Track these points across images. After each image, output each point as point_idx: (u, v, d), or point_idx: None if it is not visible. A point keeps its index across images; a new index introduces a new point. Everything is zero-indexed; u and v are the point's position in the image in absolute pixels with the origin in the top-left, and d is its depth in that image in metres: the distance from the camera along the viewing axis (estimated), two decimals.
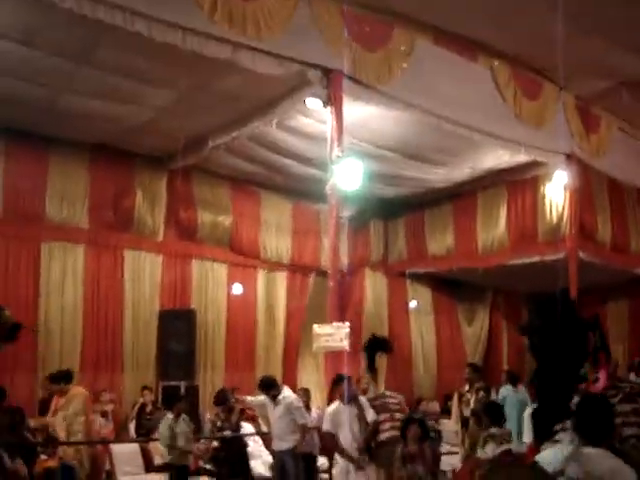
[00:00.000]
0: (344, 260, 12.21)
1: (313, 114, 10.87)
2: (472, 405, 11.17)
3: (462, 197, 15.43)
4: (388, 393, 9.17)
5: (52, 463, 9.34)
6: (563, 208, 13.31)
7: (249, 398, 10.90)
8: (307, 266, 15.29)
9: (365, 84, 9.70)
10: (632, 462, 3.84)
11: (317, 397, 13.14)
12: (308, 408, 11.18)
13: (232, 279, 14.35)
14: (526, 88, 11.60)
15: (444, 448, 11.29)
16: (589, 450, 3.73)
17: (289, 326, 15.07)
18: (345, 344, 10.73)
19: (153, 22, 7.69)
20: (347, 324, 10.90)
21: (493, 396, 11.42)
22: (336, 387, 9.26)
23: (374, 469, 8.88)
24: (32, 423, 9.86)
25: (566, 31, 8.86)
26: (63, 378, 10.20)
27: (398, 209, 16.47)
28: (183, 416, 9.78)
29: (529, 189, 14.39)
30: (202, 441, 10.36)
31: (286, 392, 10.42)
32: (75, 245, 12.57)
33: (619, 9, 9.76)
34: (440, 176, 14.20)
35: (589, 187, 13.80)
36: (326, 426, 9.03)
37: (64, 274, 12.37)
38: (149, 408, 11.74)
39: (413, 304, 17.12)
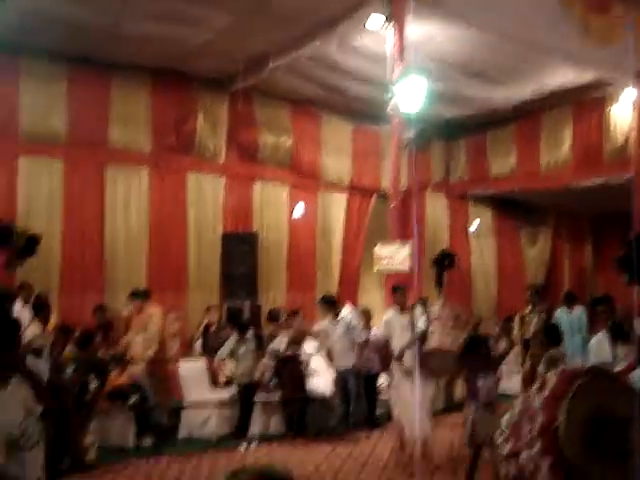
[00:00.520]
0: (405, 182, 12.11)
1: (374, 34, 10.69)
2: (534, 327, 11.22)
3: (525, 118, 15.12)
4: (447, 305, 9.25)
5: (122, 380, 9.71)
6: (630, 129, 12.96)
7: (315, 328, 11.09)
8: (367, 188, 15.26)
9: (427, 1, 9.47)
10: None
11: (378, 317, 13.27)
12: (369, 328, 11.34)
13: (293, 201, 14.43)
14: (594, 1, 11.16)
15: (503, 369, 11.32)
16: None
17: (349, 247, 15.17)
18: (406, 265, 10.82)
19: None
20: (408, 245, 10.98)
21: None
22: (393, 296, 9.52)
23: (423, 377, 9.09)
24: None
25: None
26: (142, 295, 10.59)
27: (460, 130, 16.24)
28: (248, 335, 10.01)
29: (595, 109, 14.02)
30: (265, 358, 10.59)
31: (345, 311, 10.61)
32: (138, 169, 12.74)
33: None
34: (503, 96, 13.91)
35: None
36: (380, 332, 9.37)
37: (128, 198, 12.59)
38: (214, 327, 12.02)
39: (474, 226, 17.01)
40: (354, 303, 13.04)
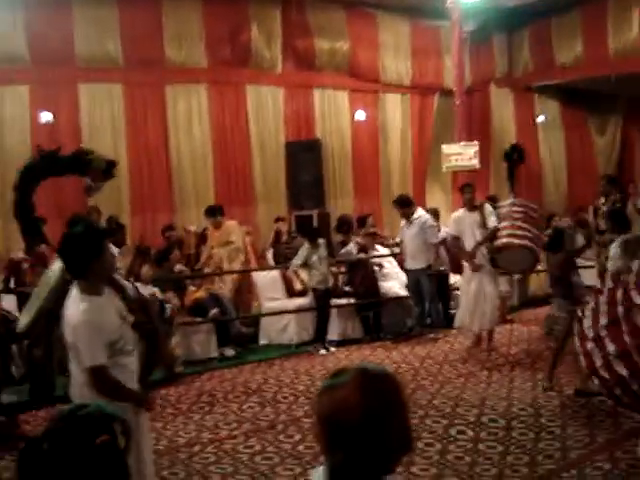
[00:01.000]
0: (468, 77, 11.82)
1: None
2: None
3: (591, 2, 14.42)
4: (517, 202, 9.08)
5: (201, 294, 9.93)
6: None
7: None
8: (429, 86, 14.94)
9: None
10: None
11: (445, 216, 13.19)
12: (437, 228, 11.27)
13: (354, 105, 14.25)
14: None
15: (578, 262, 11.19)
16: None
17: (415, 148, 14.99)
18: (475, 162, 10.73)
19: None
20: (476, 142, 10.83)
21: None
22: (461, 194, 9.47)
23: (492, 273, 9.10)
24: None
25: None
26: (217, 211, 10.75)
27: (521, 19, 15.61)
28: (320, 241, 10.07)
29: None
30: (337, 264, 10.71)
31: (420, 212, 10.57)
32: (197, 85, 12.69)
33: None
34: None
35: None
36: (450, 229, 9.37)
37: (190, 114, 12.60)
38: (284, 237, 12.12)
39: (541, 118, 16.58)
40: (421, 204, 12.96)
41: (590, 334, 5.21)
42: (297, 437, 6.37)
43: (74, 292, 3.87)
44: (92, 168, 5.24)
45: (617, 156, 17.37)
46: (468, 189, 9.58)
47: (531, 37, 15.86)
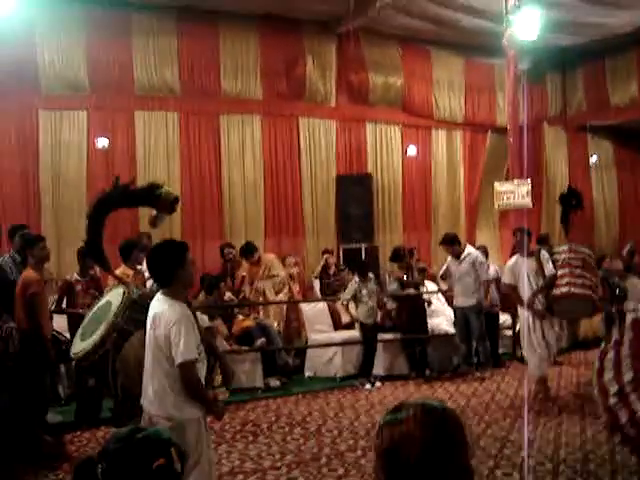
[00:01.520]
0: (521, 115, 11.78)
1: None
2: None
3: None
4: (574, 247, 8.89)
5: (249, 323, 9.96)
6: None
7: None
8: (482, 123, 14.93)
9: None
10: None
11: (492, 254, 13.08)
12: (487, 265, 11.16)
13: (406, 140, 14.29)
14: None
15: (630, 306, 10.98)
16: None
17: (466, 185, 14.95)
18: (527, 201, 10.63)
19: None
20: (528, 181, 10.75)
21: None
22: (514, 238, 9.32)
23: (550, 321, 8.90)
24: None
25: None
26: (252, 248, 10.75)
27: (576, 59, 15.57)
28: (370, 276, 10.05)
29: None
30: (386, 299, 10.64)
31: (469, 249, 10.48)
32: (251, 116, 12.85)
33: None
34: (623, 20, 13.21)
35: None
36: (506, 279, 9.18)
37: (243, 145, 12.75)
38: (332, 270, 12.12)
39: (594, 159, 16.41)
40: (471, 241, 12.88)
41: (612, 389, 5.04)
42: (340, 471, 6.31)
43: (161, 297, 4.27)
44: (161, 201, 5.43)
45: None
46: (521, 234, 9.31)
47: (585, 77, 15.79)
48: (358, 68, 13.59)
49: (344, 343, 10.42)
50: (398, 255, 10.89)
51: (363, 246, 12.69)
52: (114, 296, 5.46)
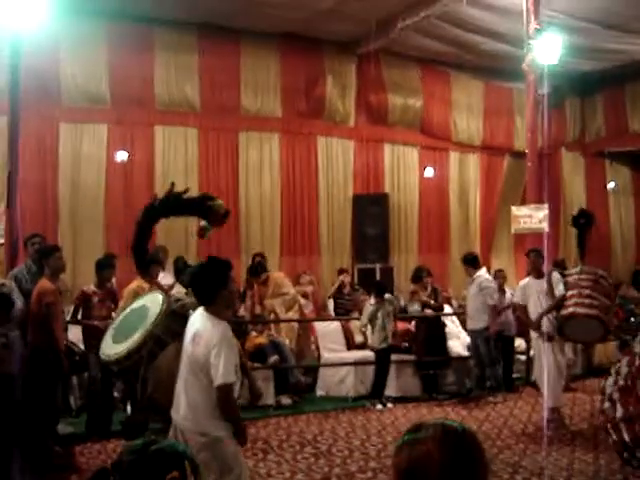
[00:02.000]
0: (540, 140, 11.77)
1: None
2: None
3: None
4: (586, 269, 8.75)
5: (262, 340, 9.94)
6: None
7: None
8: (500, 147, 14.94)
9: None
10: None
11: (507, 278, 13.03)
12: (503, 289, 11.11)
13: (424, 162, 14.32)
14: None
15: None
16: None
17: (483, 208, 14.93)
18: (544, 225, 10.56)
19: None
20: (546, 205, 10.70)
21: None
22: (527, 259, 9.30)
23: (558, 344, 8.81)
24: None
25: None
26: (260, 268, 10.71)
27: (596, 84, 15.57)
28: (387, 297, 10.00)
29: None
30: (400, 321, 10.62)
31: (480, 272, 10.43)
32: (270, 134, 12.92)
33: None
34: None
35: None
36: (516, 297, 9.21)
37: (261, 162, 12.82)
38: (347, 289, 12.10)
39: (612, 185, 16.36)
40: (486, 265, 12.83)
41: (607, 392, 5.13)
42: None
43: (204, 315, 4.23)
44: (213, 213, 5.41)
45: None
46: (534, 255, 9.35)
47: (604, 102, 15.79)
48: (377, 89, 13.65)
49: (357, 363, 10.37)
50: (420, 276, 10.85)
51: (378, 266, 12.68)
52: (152, 302, 5.37)
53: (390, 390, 10.15)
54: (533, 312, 9.00)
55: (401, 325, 10.74)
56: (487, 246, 14.87)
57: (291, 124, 13.05)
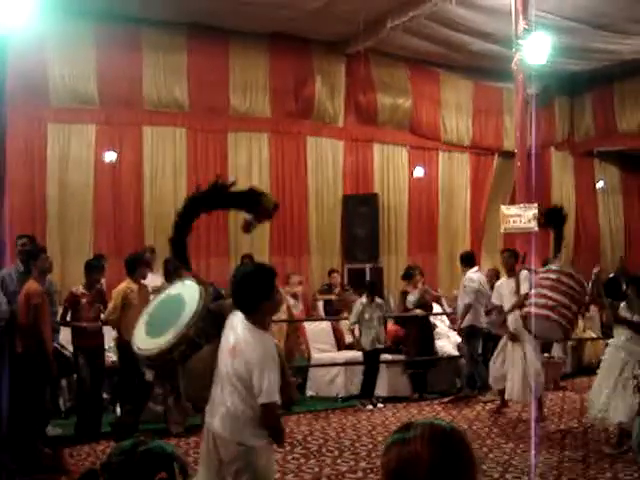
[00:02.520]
0: (529, 140, 11.79)
1: None
2: None
3: None
4: (553, 268, 8.57)
5: None
6: None
7: None
8: (489, 147, 14.96)
9: None
10: None
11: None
12: (472, 289, 11.05)
13: (413, 162, 14.32)
14: None
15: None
16: None
17: (472, 208, 14.94)
18: (533, 225, 10.58)
19: None
20: (535, 205, 10.72)
21: None
22: (501, 259, 9.36)
23: (527, 341, 8.78)
24: None
25: None
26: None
27: (584, 84, 15.62)
28: (378, 300, 9.99)
29: None
30: (390, 321, 10.62)
31: (470, 271, 10.44)
32: (259, 134, 12.91)
33: None
34: (632, 47, 13.24)
35: None
36: (493, 299, 9.25)
37: (250, 162, 12.80)
38: (336, 290, 12.09)
39: (600, 184, 16.42)
40: (478, 263, 12.84)
41: None
42: None
43: (245, 324, 3.99)
44: (262, 207, 5.24)
45: None
46: (506, 255, 9.43)
47: (593, 102, 15.84)
48: (366, 89, 13.64)
49: (347, 363, 10.37)
50: (411, 274, 10.83)
51: (368, 266, 12.67)
52: (189, 294, 5.01)
53: (380, 390, 10.14)
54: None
55: (391, 328, 10.73)
56: (477, 246, 14.87)
57: (280, 124, 13.03)
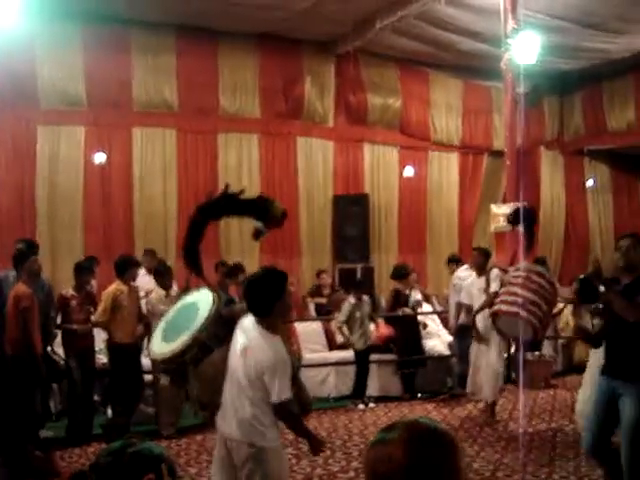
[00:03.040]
0: (518, 139, 11.82)
1: None
2: None
3: None
4: (522, 266, 8.47)
5: None
6: None
7: None
8: (479, 146, 14.96)
9: None
10: None
11: None
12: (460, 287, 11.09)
13: (403, 162, 14.30)
14: None
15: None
16: None
17: (462, 207, 14.93)
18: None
19: None
20: (525, 204, 10.74)
21: None
22: (471, 257, 9.35)
23: (494, 340, 8.77)
24: None
25: None
26: (238, 270, 10.61)
27: (574, 83, 15.64)
28: (365, 298, 10.00)
29: None
30: (380, 320, 10.62)
31: (459, 269, 10.47)
32: (249, 135, 12.88)
33: None
34: (621, 46, 13.26)
35: None
36: (463, 298, 9.24)
37: (240, 163, 12.76)
38: (327, 290, 12.10)
39: (590, 182, 16.46)
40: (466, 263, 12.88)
41: None
42: None
43: (256, 327, 4.09)
44: (271, 214, 5.30)
45: None
46: (476, 253, 9.45)
47: (583, 101, 15.85)
48: (356, 89, 13.64)
49: (338, 363, 10.37)
50: (401, 273, 10.77)
51: (359, 266, 12.67)
52: (202, 300, 5.19)
53: (372, 390, 10.16)
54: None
55: (383, 330, 10.71)
56: (467, 244, 14.89)
57: (270, 125, 13.01)
